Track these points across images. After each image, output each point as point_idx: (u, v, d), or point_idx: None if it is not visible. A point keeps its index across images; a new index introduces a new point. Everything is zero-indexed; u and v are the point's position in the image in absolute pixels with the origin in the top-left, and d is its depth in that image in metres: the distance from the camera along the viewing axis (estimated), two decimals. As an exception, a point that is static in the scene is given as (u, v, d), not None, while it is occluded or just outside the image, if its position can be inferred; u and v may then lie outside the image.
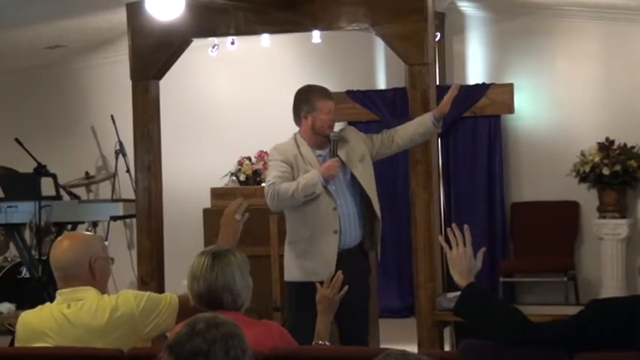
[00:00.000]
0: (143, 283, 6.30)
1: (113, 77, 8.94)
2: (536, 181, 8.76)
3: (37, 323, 3.51)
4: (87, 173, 9.28)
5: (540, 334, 3.12)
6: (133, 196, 7.10)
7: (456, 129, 8.77)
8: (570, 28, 8.66)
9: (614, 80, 8.55)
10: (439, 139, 8.06)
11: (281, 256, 6.74)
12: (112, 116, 8.81)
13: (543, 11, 8.65)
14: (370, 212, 5.27)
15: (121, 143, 8.74)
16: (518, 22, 8.82)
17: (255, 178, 9.04)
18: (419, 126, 5.42)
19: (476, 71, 8.90)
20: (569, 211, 8.65)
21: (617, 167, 8.21)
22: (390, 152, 5.52)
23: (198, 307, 3.24)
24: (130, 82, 6.41)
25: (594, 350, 3.01)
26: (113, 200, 8.30)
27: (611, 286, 8.23)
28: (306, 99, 5.30)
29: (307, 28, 6.45)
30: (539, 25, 8.71)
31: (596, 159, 8.27)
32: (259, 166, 9.12)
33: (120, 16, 6.70)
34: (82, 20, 8.10)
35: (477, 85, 8.71)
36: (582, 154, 8.37)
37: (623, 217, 8.37)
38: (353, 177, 5.25)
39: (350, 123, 8.32)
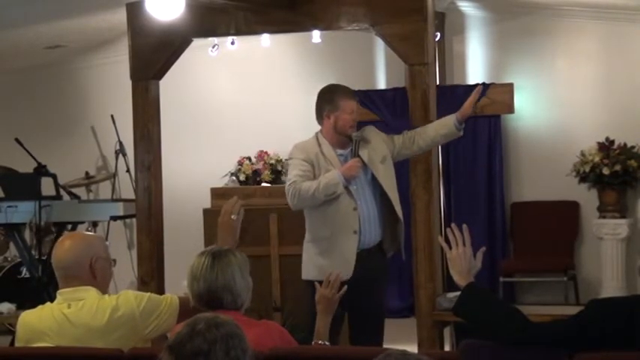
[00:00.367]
0: (143, 283, 6.30)
1: (113, 77, 8.94)
2: (536, 181, 8.76)
3: (38, 323, 3.51)
4: (87, 173, 9.28)
5: (540, 334, 3.12)
6: (133, 196, 7.10)
7: (456, 129, 8.77)
8: (570, 28, 8.66)
9: (614, 80, 8.55)
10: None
11: (281, 256, 6.77)
12: (112, 116, 8.81)
13: (543, 11, 8.65)
14: (391, 213, 5.27)
15: (121, 143, 8.75)
16: (518, 22, 8.82)
17: (255, 178, 9.04)
18: (441, 127, 5.43)
19: (476, 71, 8.90)
20: (569, 211, 8.65)
21: (617, 167, 8.21)
22: (411, 153, 5.54)
23: (198, 307, 3.24)
24: (130, 82, 6.40)
25: (594, 350, 3.01)
26: (113, 200, 8.30)
27: (611, 286, 8.23)
28: (329, 98, 5.29)
29: (307, 28, 6.44)
30: (539, 25, 8.71)
31: (596, 159, 8.27)
32: (259, 166, 9.13)
33: (120, 16, 6.70)
34: (82, 20, 8.11)
35: (477, 84, 8.69)
36: (582, 154, 8.37)
37: (623, 217, 8.38)
38: (374, 177, 5.26)
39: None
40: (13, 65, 9.53)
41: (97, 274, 3.55)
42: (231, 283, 3.26)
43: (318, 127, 5.47)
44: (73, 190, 8.51)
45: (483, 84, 8.65)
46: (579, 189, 8.47)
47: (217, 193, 7.30)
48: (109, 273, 3.68)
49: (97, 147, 9.65)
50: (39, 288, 7.35)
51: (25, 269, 7.96)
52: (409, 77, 5.86)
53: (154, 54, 6.31)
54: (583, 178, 8.35)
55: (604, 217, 8.38)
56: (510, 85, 8.65)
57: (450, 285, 5.50)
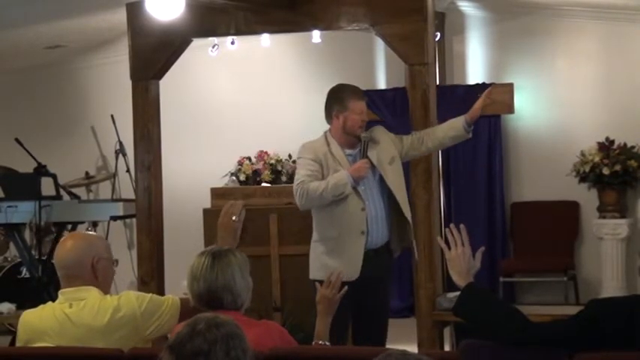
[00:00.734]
0: (143, 283, 6.30)
1: (113, 77, 8.94)
2: (536, 181, 8.77)
3: (39, 323, 3.51)
4: (87, 173, 9.28)
5: (540, 334, 3.12)
6: (133, 196, 7.10)
7: (456, 129, 8.77)
8: (570, 28, 8.66)
9: (614, 80, 8.55)
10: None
11: (281, 256, 6.78)
12: (112, 116, 8.81)
13: (543, 11, 8.66)
14: (398, 213, 5.26)
15: (121, 143, 8.75)
16: (518, 22, 8.82)
17: (255, 178, 9.04)
18: (449, 129, 5.42)
19: (476, 71, 8.90)
20: (569, 211, 8.65)
21: (617, 167, 8.22)
22: (419, 154, 5.53)
23: (198, 307, 3.24)
24: (130, 82, 6.40)
25: (594, 350, 3.01)
26: (113, 200, 8.30)
27: (611, 286, 8.23)
28: (338, 98, 5.30)
29: (307, 28, 6.45)
30: (539, 25, 8.71)
31: (596, 159, 8.27)
32: (259, 166, 9.13)
33: (120, 16, 6.70)
34: (82, 20, 8.11)
35: (477, 84, 8.71)
36: (582, 154, 8.38)
37: (623, 217, 8.38)
38: (382, 178, 5.24)
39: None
40: (13, 65, 9.53)
41: (99, 275, 3.55)
42: (231, 283, 3.26)
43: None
44: (73, 190, 8.51)
45: (483, 84, 8.68)
46: (579, 189, 8.47)
47: (217, 193, 7.30)
48: (111, 273, 3.69)
49: (97, 147, 9.65)
50: (39, 288, 7.35)
51: (25, 269, 7.95)
52: (409, 77, 5.86)
53: (154, 54, 6.31)
54: (583, 178, 8.36)
55: (604, 217, 8.39)
56: (510, 85, 8.65)
57: (450, 285, 5.49)
